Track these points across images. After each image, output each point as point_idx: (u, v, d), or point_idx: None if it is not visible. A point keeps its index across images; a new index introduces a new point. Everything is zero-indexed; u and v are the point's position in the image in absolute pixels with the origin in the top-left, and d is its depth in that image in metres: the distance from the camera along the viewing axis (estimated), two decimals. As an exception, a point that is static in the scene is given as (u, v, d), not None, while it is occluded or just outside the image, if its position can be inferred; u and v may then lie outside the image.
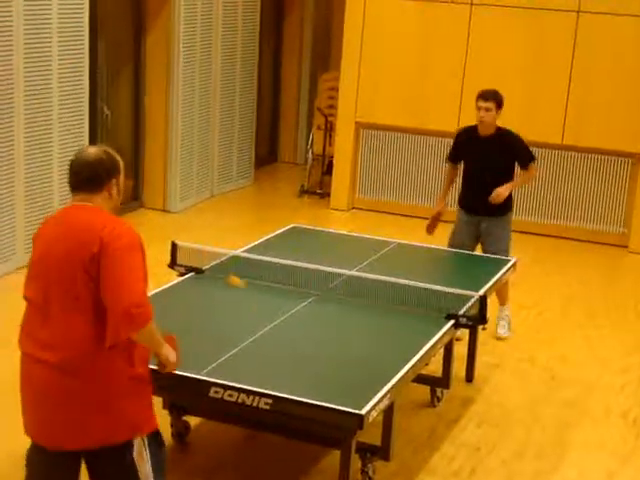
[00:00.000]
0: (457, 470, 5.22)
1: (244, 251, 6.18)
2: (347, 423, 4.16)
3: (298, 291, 5.57)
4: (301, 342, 4.96)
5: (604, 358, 6.92)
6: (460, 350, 6.21)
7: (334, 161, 10.69)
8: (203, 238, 7.87)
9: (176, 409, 5.17)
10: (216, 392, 4.26)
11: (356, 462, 4.69)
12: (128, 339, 3.61)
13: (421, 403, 5.91)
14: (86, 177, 3.75)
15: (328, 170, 11.07)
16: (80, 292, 3.64)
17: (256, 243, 6.47)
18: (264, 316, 5.16)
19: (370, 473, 4.87)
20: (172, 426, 5.24)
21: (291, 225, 7.08)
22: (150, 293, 4.26)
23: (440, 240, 7.25)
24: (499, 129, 6.86)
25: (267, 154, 12.61)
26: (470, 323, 5.40)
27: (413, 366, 4.69)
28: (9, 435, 5.29)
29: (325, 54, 12.76)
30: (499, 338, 7.09)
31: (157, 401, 4.49)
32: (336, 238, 7.29)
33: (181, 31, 9.60)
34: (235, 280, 5.39)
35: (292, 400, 4.19)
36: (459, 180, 7.24)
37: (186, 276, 5.72)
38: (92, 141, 8.69)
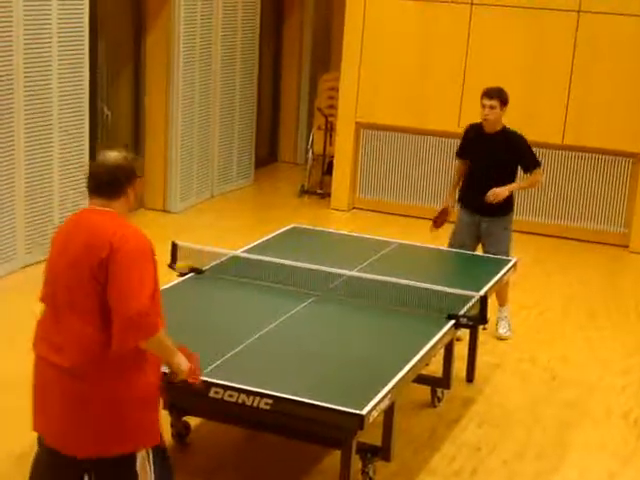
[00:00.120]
0: (458, 470, 5.22)
1: (244, 251, 6.17)
2: (348, 423, 4.16)
3: (298, 291, 5.56)
4: (301, 342, 4.95)
5: (605, 359, 6.91)
6: (461, 350, 6.21)
7: (334, 161, 10.68)
8: (203, 238, 7.87)
9: (176, 409, 5.16)
10: (216, 392, 4.25)
11: (357, 462, 4.69)
12: (137, 347, 3.59)
13: (422, 403, 5.91)
14: (105, 182, 3.73)
15: (328, 170, 11.07)
16: (88, 297, 3.62)
17: (256, 243, 6.46)
18: (264, 317, 5.16)
19: (371, 473, 4.86)
20: (172, 426, 5.24)
21: (291, 225, 7.08)
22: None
23: (441, 240, 7.25)
24: (505, 128, 6.85)
25: (267, 154, 12.60)
26: (471, 323, 5.39)
27: (414, 366, 4.69)
28: (9, 435, 5.29)
29: (325, 54, 12.76)
30: (500, 338, 7.09)
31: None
32: (336, 238, 7.28)
33: (181, 31, 9.59)
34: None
35: (292, 400, 4.18)
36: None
37: (186, 276, 5.71)
38: (92, 141, 8.69)
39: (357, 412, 4.09)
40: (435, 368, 5.86)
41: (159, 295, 3.76)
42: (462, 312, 5.35)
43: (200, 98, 10.13)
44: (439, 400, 5.95)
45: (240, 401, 4.22)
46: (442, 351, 5.55)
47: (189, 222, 9.69)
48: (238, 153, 11.07)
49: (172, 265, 5.80)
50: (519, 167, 6.97)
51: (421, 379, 5.45)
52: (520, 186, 7.12)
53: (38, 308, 3.92)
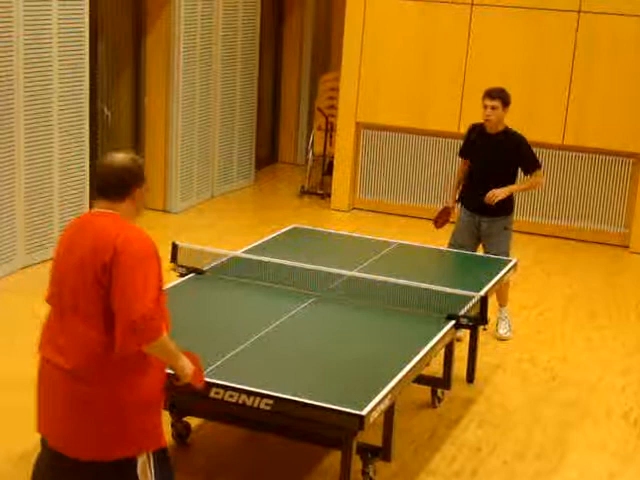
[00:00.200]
0: (458, 471, 5.22)
1: (244, 252, 6.18)
2: (348, 424, 4.15)
3: (298, 292, 5.56)
4: (302, 343, 4.95)
5: (605, 359, 6.91)
6: (461, 351, 6.21)
7: (335, 161, 10.68)
8: (203, 239, 7.88)
9: (177, 410, 5.16)
10: (217, 393, 4.25)
11: (357, 463, 4.68)
12: (140, 351, 3.58)
13: (422, 404, 5.91)
14: (112, 183, 3.72)
15: (329, 170, 11.07)
16: (92, 300, 3.61)
17: (256, 244, 6.46)
18: (265, 317, 5.16)
19: (371, 474, 4.86)
20: (173, 427, 5.24)
21: (292, 226, 7.08)
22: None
23: (441, 241, 7.25)
24: (507, 129, 6.85)
25: (267, 155, 12.61)
26: (471, 324, 5.39)
27: (414, 367, 4.69)
28: (9, 435, 5.29)
29: (325, 54, 12.76)
30: (500, 339, 7.09)
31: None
32: (337, 239, 7.28)
33: (181, 32, 9.60)
34: None
35: (293, 401, 4.18)
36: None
37: (186, 277, 5.71)
38: (92, 142, 8.70)
39: (357, 412, 4.09)
40: (435, 368, 5.86)
41: (164, 298, 3.75)
42: (462, 312, 5.35)
43: (200, 98, 10.14)
44: (439, 400, 5.95)
45: (240, 401, 4.22)
46: (442, 351, 5.55)
47: (189, 222, 9.69)
48: (238, 153, 11.07)
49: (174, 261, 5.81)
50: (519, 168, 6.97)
51: (421, 379, 5.46)
52: (519, 188, 7.10)
53: (43, 310, 3.92)
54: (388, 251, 6.56)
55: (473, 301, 5.49)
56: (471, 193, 7.01)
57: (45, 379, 3.81)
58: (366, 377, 4.57)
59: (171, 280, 5.68)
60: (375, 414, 4.20)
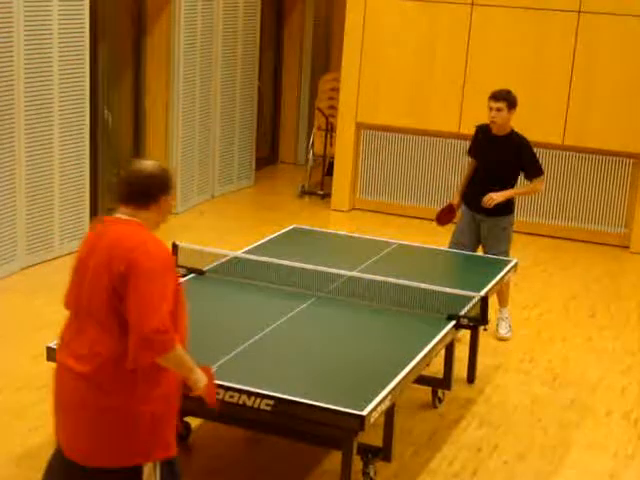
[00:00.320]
0: (458, 471, 5.22)
1: (245, 252, 6.18)
2: (348, 424, 4.16)
3: (299, 292, 5.56)
4: (302, 343, 4.95)
5: (606, 359, 6.91)
6: (461, 351, 6.21)
7: (335, 162, 10.68)
8: (204, 239, 7.87)
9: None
10: (217, 393, 4.25)
11: (357, 463, 4.69)
12: (153, 363, 3.56)
13: (422, 404, 5.91)
14: (136, 191, 3.68)
15: (329, 171, 11.07)
16: (106, 306, 3.60)
17: (257, 244, 6.46)
18: (265, 317, 5.16)
19: (371, 474, 4.86)
20: (173, 427, 5.24)
21: (292, 226, 7.08)
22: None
23: (441, 241, 7.25)
24: (513, 132, 6.85)
25: (268, 155, 12.61)
26: (471, 324, 5.39)
27: (414, 367, 4.69)
28: (10, 436, 5.28)
29: (326, 55, 12.77)
30: (500, 339, 7.09)
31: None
32: (337, 239, 7.29)
33: (182, 33, 9.60)
34: None
35: (293, 401, 4.19)
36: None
37: (187, 277, 5.71)
38: (92, 144, 8.70)
39: (358, 413, 4.10)
40: (436, 369, 5.86)
41: (183, 309, 3.72)
42: (463, 313, 5.35)
43: (201, 99, 10.14)
44: (440, 401, 5.95)
45: (241, 402, 4.22)
46: (443, 352, 5.55)
47: (190, 223, 9.69)
48: (239, 154, 11.07)
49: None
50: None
51: (422, 380, 5.46)
52: (517, 192, 7.09)
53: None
54: (388, 251, 6.56)
55: (473, 301, 5.49)
56: (473, 192, 7.02)
57: (57, 383, 3.81)
58: (366, 377, 4.57)
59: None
60: (375, 414, 4.20)
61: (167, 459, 3.78)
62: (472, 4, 9.72)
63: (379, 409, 4.24)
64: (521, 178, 7.04)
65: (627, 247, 9.62)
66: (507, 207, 6.95)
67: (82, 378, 3.65)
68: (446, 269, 6.76)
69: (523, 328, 7.35)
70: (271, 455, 5.28)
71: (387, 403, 4.35)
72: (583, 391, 6.34)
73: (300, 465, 5.19)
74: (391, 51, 10.08)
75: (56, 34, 7.89)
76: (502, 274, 6.24)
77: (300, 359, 4.76)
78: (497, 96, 6.74)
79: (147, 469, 3.71)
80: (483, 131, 6.98)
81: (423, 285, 5.52)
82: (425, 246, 7.06)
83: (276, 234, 6.78)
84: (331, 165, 10.95)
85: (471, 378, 6.31)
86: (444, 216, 7.24)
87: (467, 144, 7.27)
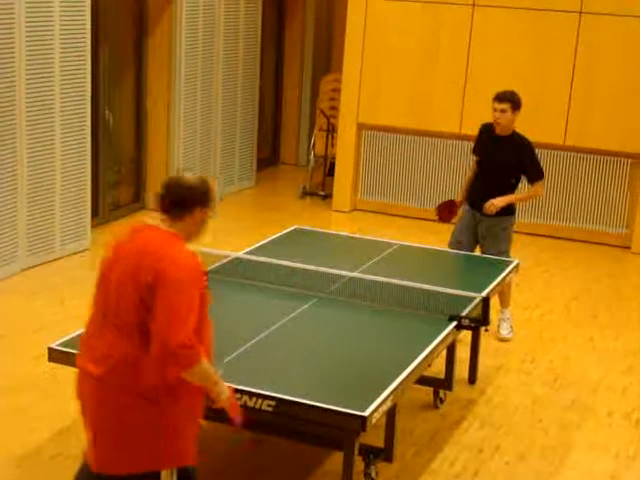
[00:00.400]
0: (460, 472, 5.21)
1: (246, 253, 6.18)
2: (350, 425, 4.15)
3: (300, 293, 5.56)
4: (304, 344, 4.95)
5: (607, 359, 6.91)
6: (463, 352, 6.21)
7: (336, 163, 10.68)
8: (205, 240, 7.86)
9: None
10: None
11: (359, 464, 4.69)
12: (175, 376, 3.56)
13: (424, 405, 5.91)
14: (173, 200, 3.68)
15: (330, 172, 11.06)
16: (129, 312, 3.58)
17: (258, 245, 6.46)
18: (266, 318, 5.16)
19: (373, 475, 4.86)
20: (174, 428, 5.23)
21: (293, 227, 7.08)
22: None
23: (443, 242, 7.25)
24: (516, 134, 6.86)
25: (269, 156, 12.61)
26: (473, 325, 5.39)
27: (416, 368, 4.69)
28: (11, 437, 5.29)
29: (327, 55, 12.77)
30: (502, 339, 7.09)
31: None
32: (338, 240, 7.29)
33: (183, 34, 9.60)
34: None
35: (295, 402, 4.19)
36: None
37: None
38: (94, 145, 8.70)
39: (359, 413, 4.10)
40: (437, 369, 5.86)
41: (208, 319, 3.71)
42: (464, 313, 5.35)
43: (202, 100, 10.14)
44: (441, 401, 5.95)
45: (242, 403, 4.22)
46: (444, 353, 5.55)
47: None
48: (240, 155, 11.07)
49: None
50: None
51: (423, 380, 5.45)
52: (518, 198, 7.07)
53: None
54: (390, 252, 6.56)
55: (475, 302, 5.49)
56: (474, 192, 7.04)
57: (78, 386, 3.79)
58: (368, 378, 4.57)
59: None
60: (377, 415, 4.20)
61: (185, 467, 3.76)
62: (473, 5, 9.72)
63: (380, 410, 4.24)
64: (523, 182, 7.04)
65: (628, 247, 9.62)
66: (509, 207, 6.95)
67: (99, 382, 3.64)
68: (447, 270, 6.76)
69: (524, 329, 7.35)
70: (272, 456, 5.27)
71: (388, 404, 4.35)
72: (584, 392, 6.33)
73: (301, 466, 5.19)
74: (392, 52, 10.08)
75: (57, 34, 7.90)
76: (503, 275, 6.24)
77: (301, 360, 4.75)
78: (501, 97, 6.75)
79: (164, 475, 3.69)
80: (487, 130, 6.99)
81: (424, 286, 5.52)
82: (426, 247, 7.06)
83: (277, 235, 6.78)
84: (332, 166, 10.94)
85: (472, 379, 6.31)
86: (445, 212, 7.22)
87: (468, 145, 7.29)
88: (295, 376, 4.55)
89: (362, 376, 4.60)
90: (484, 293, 5.62)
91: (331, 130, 11.15)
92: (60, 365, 4.76)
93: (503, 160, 6.85)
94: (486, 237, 6.97)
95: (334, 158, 10.81)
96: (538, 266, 8.89)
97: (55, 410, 5.55)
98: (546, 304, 7.97)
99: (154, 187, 9.93)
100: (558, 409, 6.06)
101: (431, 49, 9.94)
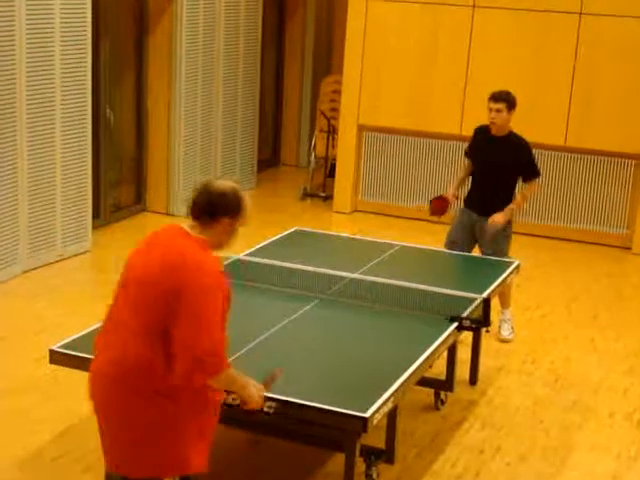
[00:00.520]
0: (461, 473, 5.21)
1: (247, 254, 6.18)
2: (351, 426, 4.16)
3: (301, 294, 5.56)
4: (304, 345, 4.95)
5: (608, 360, 6.91)
6: (464, 353, 6.21)
7: (337, 164, 10.68)
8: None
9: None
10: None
11: (360, 465, 4.69)
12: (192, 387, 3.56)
13: (425, 406, 5.91)
14: (203, 206, 3.66)
15: (331, 173, 11.06)
16: (149, 315, 3.57)
17: (259, 246, 6.46)
18: (267, 319, 5.16)
19: (374, 476, 4.86)
20: (176, 430, 5.23)
21: (294, 228, 7.08)
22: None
23: (442, 243, 7.24)
24: (512, 133, 6.86)
25: (270, 157, 12.61)
26: (474, 326, 5.39)
27: (417, 369, 4.69)
28: (12, 439, 5.29)
29: (327, 57, 12.77)
30: (503, 340, 7.09)
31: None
32: (339, 241, 7.29)
33: (184, 32, 9.60)
34: None
35: (296, 403, 4.19)
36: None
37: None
38: (94, 144, 8.70)
39: (361, 415, 4.10)
40: (438, 371, 5.86)
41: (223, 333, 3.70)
42: (465, 314, 5.35)
43: (202, 101, 10.14)
44: (442, 403, 5.95)
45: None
46: (445, 354, 5.55)
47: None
48: (240, 156, 11.07)
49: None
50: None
51: (424, 382, 5.45)
52: (517, 205, 7.06)
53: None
54: (390, 253, 6.56)
55: (476, 303, 5.49)
56: (472, 194, 7.05)
57: (90, 387, 3.78)
58: (369, 379, 4.57)
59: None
60: (378, 416, 4.20)
61: (189, 476, 3.75)
62: (473, 6, 9.73)
63: (382, 411, 4.24)
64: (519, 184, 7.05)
65: (629, 248, 9.62)
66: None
67: (111, 381, 3.63)
68: (448, 271, 6.76)
69: (525, 329, 7.35)
70: (273, 457, 5.27)
71: (390, 405, 4.35)
72: (585, 392, 6.33)
73: (302, 467, 5.19)
74: (393, 53, 10.08)
75: (58, 31, 7.89)
76: (504, 276, 6.24)
77: (302, 361, 4.75)
78: (497, 97, 6.76)
79: None
80: (482, 132, 7.00)
81: (425, 287, 5.52)
82: (427, 248, 7.06)
83: (278, 236, 6.78)
84: (333, 167, 10.94)
85: (473, 380, 6.31)
86: (437, 206, 7.20)
87: (469, 146, 7.27)
88: (296, 377, 4.55)
89: (363, 377, 4.61)
90: (485, 294, 5.62)
91: (332, 131, 11.15)
92: (61, 367, 4.77)
93: (500, 161, 6.86)
94: (484, 237, 6.98)
95: (335, 159, 10.82)
96: (539, 267, 8.89)
97: (56, 412, 5.55)
98: (547, 305, 7.97)
99: (154, 186, 9.95)
100: (559, 410, 6.06)
101: (432, 50, 9.95)
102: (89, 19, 8.22)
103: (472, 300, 5.52)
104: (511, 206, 6.91)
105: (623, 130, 9.44)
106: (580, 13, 9.37)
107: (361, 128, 10.41)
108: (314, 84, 12.45)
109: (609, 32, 9.32)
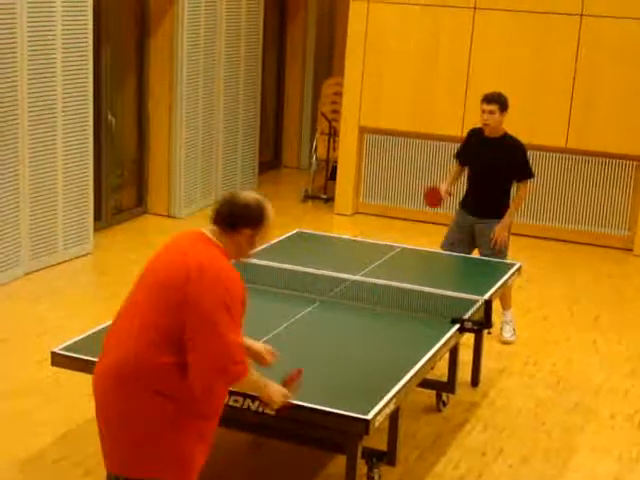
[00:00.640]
0: (463, 475, 5.21)
1: (248, 256, 6.17)
2: (353, 428, 4.15)
3: (303, 296, 5.57)
4: (306, 347, 4.95)
5: (610, 362, 6.91)
6: (465, 355, 6.21)
7: (338, 166, 10.68)
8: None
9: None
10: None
11: (362, 467, 4.69)
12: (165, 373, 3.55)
13: (427, 408, 5.91)
14: (225, 216, 3.70)
15: (332, 175, 11.07)
16: (160, 318, 3.57)
17: (260, 248, 6.44)
18: (269, 322, 5.16)
19: (376, 478, 4.86)
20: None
21: (295, 230, 7.08)
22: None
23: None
24: (506, 135, 6.88)
25: (271, 159, 12.62)
26: (475, 327, 5.39)
27: (419, 371, 4.69)
28: (13, 441, 5.29)
29: (328, 59, 12.77)
30: (504, 342, 7.08)
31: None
32: (340, 243, 7.29)
33: (185, 35, 9.60)
34: None
35: (298, 406, 4.18)
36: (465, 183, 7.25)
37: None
38: (96, 148, 8.71)
39: (362, 417, 4.09)
40: (440, 372, 5.86)
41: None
42: (467, 316, 5.35)
43: (204, 103, 10.14)
44: (444, 404, 5.95)
45: (245, 406, 4.22)
46: (447, 355, 5.55)
47: (193, 227, 9.67)
48: (242, 158, 11.07)
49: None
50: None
51: (426, 383, 5.46)
52: (514, 211, 7.08)
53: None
54: (392, 255, 6.56)
55: (477, 305, 5.49)
56: (469, 196, 7.09)
57: (93, 387, 3.78)
58: (371, 381, 4.57)
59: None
60: (380, 418, 4.20)
61: None
62: (475, 8, 9.73)
63: (383, 413, 4.24)
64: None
65: (630, 250, 9.61)
66: (503, 210, 6.97)
67: (110, 379, 3.63)
68: (450, 273, 6.76)
69: (527, 331, 7.35)
70: (275, 459, 5.27)
71: (391, 407, 4.34)
72: (587, 394, 6.33)
73: (304, 469, 5.19)
74: (394, 55, 10.08)
75: (59, 36, 7.90)
76: (506, 277, 6.24)
77: (304, 363, 4.73)
78: (490, 98, 6.79)
79: None
80: (476, 134, 7.02)
81: (427, 289, 5.52)
82: (428, 250, 7.06)
83: (279, 238, 6.78)
84: (334, 169, 10.95)
85: (475, 382, 6.31)
86: (431, 197, 7.20)
87: (470, 148, 7.27)
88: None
89: (365, 379, 4.60)
90: (486, 296, 5.62)
91: (333, 134, 11.16)
92: (63, 369, 4.77)
93: (493, 163, 6.87)
94: (481, 239, 6.99)
95: (336, 161, 10.82)
96: (540, 268, 8.89)
97: (58, 414, 5.55)
98: (549, 307, 7.97)
99: (156, 189, 9.95)
100: (561, 412, 6.06)
101: (433, 52, 9.95)
102: (90, 24, 8.22)
103: (474, 302, 5.52)
104: (508, 215, 6.94)
105: (624, 132, 9.44)
106: (581, 15, 9.38)
107: (362, 130, 10.42)
108: (315, 86, 12.45)
109: (610, 34, 9.32)
